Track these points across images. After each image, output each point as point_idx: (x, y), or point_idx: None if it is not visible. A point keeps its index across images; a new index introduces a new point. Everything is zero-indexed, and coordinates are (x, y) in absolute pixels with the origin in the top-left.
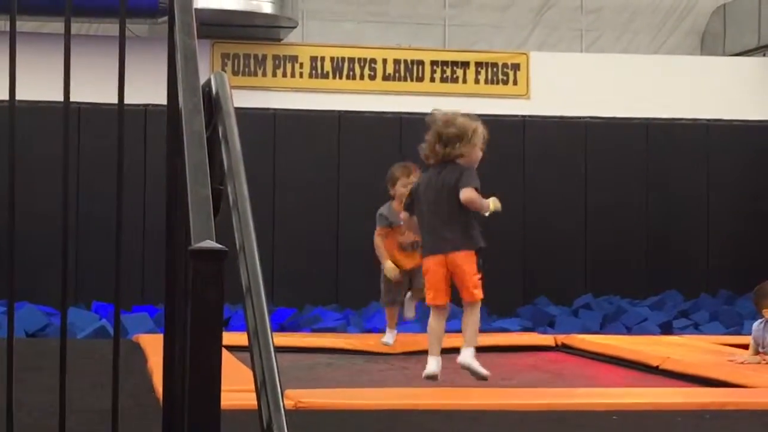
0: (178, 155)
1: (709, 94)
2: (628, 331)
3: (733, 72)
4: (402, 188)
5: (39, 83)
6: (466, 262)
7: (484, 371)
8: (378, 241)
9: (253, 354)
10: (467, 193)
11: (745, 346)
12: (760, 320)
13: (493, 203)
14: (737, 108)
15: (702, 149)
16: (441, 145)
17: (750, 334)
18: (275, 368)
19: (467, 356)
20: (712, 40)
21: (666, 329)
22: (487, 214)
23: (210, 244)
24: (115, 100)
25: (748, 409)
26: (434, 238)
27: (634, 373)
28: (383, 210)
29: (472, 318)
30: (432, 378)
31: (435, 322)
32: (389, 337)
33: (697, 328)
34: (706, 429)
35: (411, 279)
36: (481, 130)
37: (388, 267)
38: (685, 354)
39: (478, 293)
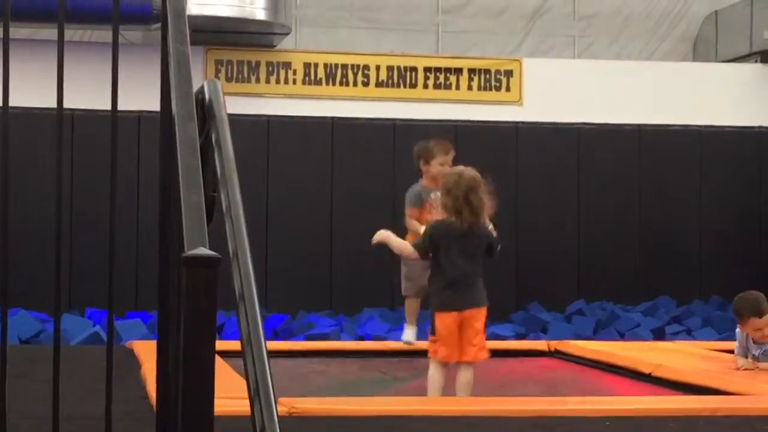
0: (171, 162)
1: (701, 100)
2: (621, 336)
3: (726, 78)
4: (438, 167)
5: (32, 90)
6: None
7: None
8: (413, 223)
9: (247, 361)
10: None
11: None
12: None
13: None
14: (730, 114)
15: (695, 155)
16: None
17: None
18: (268, 375)
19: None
20: (705, 47)
21: (659, 335)
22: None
23: (203, 251)
24: (108, 106)
25: (741, 416)
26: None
27: (627, 380)
28: (415, 188)
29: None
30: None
31: (438, 373)
32: (410, 334)
33: (689, 334)
34: None
35: None
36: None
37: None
38: (678, 360)
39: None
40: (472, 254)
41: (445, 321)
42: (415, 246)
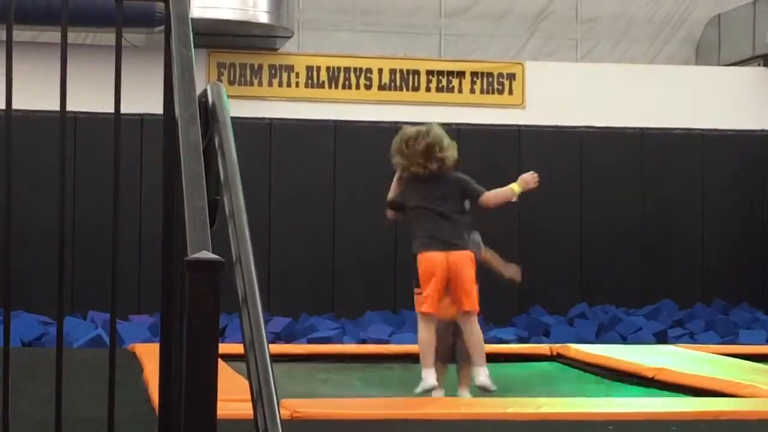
0: (174, 166)
1: (704, 103)
2: (624, 340)
3: (728, 81)
4: None
5: (36, 92)
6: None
7: (494, 387)
8: None
9: (250, 365)
10: None
11: (741, 355)
12: None
13: None
14: (732, 117)
15: (697, 159)
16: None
17: (744, 343)
18: (271, 379)
19: (484, 377)
20: (707, 50)
21: (661, 338)
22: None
23: (206, 255)
24: (111, 109)
25: (743, 419)
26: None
27: (630, 383)
28: None
29: (477, 332)
30: (430, 391)
31: (427, 332)
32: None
33: (692, 338)
34: None
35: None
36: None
37: None
38: (681, 364)
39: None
40: (442, 199)
41: (428, 262)
42: (388, 201)
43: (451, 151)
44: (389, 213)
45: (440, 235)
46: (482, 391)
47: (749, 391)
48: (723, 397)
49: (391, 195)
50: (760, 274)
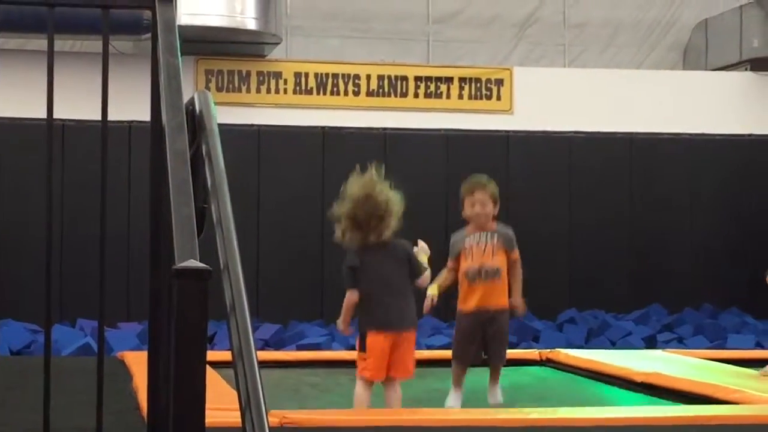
0: (162, 174)
1: (691, 108)
2: (613, 345)
3: (716, 86)
4: (470, 210)
5: (23, 100)
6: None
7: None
8: (440, 276)
9: (238, 373)
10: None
11: (730, 360)
12: None
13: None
14: (720, 122)
15: (685, 163)
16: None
17: (733, 347)
18: (260, 387)
19: None
20: (695, 55)
21: (650, 343)
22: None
23: (194, 263)
24: (99, 116)
25: (734, 424)
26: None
27: (619, 389)
28: (455, 235)
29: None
30: None
31: (365, 391)
32: (455, 400)
33: (681, 342)
34: None
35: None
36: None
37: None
38: (671, 369)
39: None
40: (394, 268)
41: (378, 340)
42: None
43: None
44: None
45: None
46: None
47: (738, 396)
48: (712, 403)
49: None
50: (749, 278)
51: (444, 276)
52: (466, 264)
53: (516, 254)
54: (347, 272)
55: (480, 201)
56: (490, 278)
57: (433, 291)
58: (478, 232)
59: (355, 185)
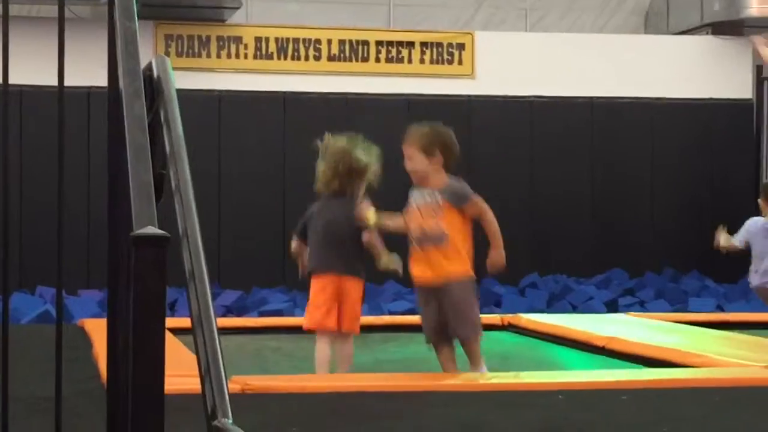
0: (119, 140)
1: (653, 72)
2: (574, 309)
3: (677, 50)
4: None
5: None
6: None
7: None
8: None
9: (197, 341)
10: None
11: (691, 323)
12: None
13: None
14: (681, 86)
15: (646, 127)
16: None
17: (694, 311)
18: (219, 355)
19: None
20: (656, 19)
21: (612, 307)
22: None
23: (152, 230)
24: (56, 82)
25: (693, 387)
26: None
27: (581, 353)
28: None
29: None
30: None
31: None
32: None
33: (642, 306)
34: (651, 407)
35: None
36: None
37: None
38: (632, 333)
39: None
40: (344, 219)
41: (314, 284)
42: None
43: None
44: None
45: None
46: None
47: (700, 360)
48: (674, 367)
49: None
50: (710, 241)
51: (396, 219)
52: (409, 227)
53: (475, 207)
54: (300, 221)
55: (407, 156)
56: (432, 244)
57: (370, 215)
58: (422, 190)
59: (339, 142)
